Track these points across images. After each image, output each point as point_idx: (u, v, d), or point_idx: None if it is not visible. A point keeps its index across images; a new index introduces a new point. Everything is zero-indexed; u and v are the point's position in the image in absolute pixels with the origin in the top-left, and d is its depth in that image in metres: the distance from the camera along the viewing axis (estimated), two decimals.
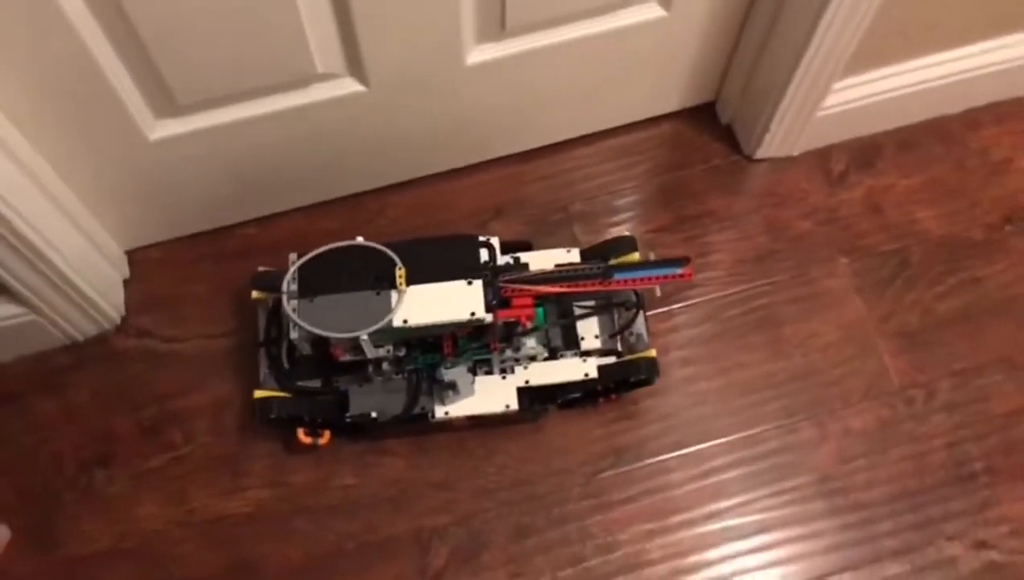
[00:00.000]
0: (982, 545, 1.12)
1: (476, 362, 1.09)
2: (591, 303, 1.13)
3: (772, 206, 1.28)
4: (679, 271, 1.06)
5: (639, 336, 1.13)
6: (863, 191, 1.29)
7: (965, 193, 1.28)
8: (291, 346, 1.07)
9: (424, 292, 0.98)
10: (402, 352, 1.04)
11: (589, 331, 1.12)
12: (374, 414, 1.07)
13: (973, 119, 1.32)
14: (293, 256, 1.02)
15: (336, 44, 0.99)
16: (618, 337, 1.13)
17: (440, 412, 1.08)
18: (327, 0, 0.93)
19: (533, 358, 1.10)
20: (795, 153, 1.30)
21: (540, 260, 1.11)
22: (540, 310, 1.06)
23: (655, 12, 1.10)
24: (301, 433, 1.09)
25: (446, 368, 1.07)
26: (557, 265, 1.10)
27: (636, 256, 1.13)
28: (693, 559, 1.11)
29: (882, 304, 1.22)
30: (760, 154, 1.29)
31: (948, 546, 1.11)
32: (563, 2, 1.04)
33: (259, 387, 1.09)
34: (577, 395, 1.13)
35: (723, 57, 1.23)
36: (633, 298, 1.13)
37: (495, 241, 1.06)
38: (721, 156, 1.31)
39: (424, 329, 0.99)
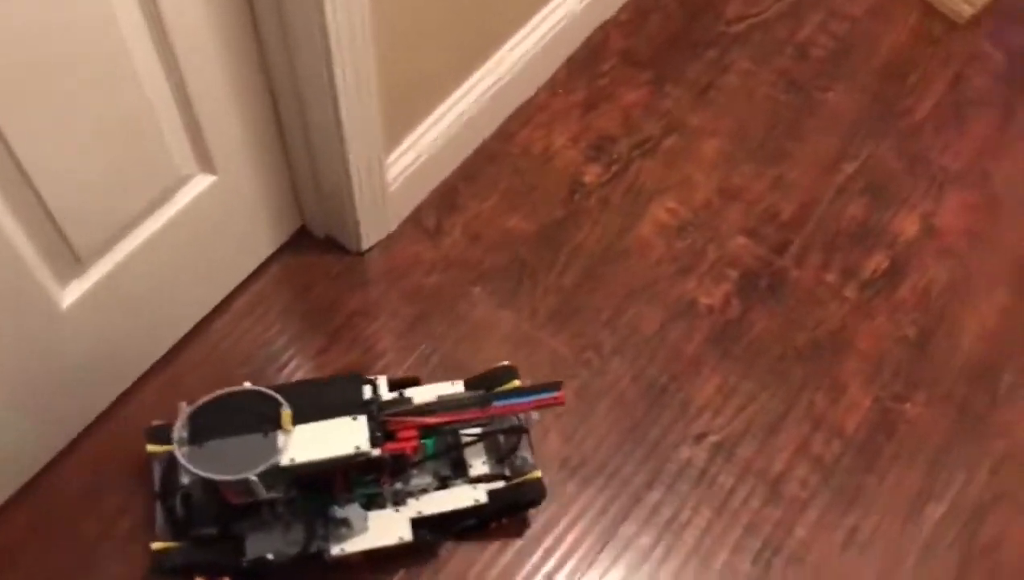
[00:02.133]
0: (701, 437, 1.30)
1: (369, 497, 1.12)
2: (477, 431, 1.17)
3: (399, 279, 1.41)
4: (553, 395, 1.14)
5: (524, 459, 1.19)
6: (459, 229, 1.45)
7: (532, 188, 1.49)
8: (187, 495, 1.08)
9: (310, 431, 1.02)
10: (293, 493, 1.04)
11: (477, 458, 1.18)
12: (270, 556, 1.07)
13: (505, 131, 1.54)
14: (183, 404, 1.02)
15: None
16: (505, 461, 1.19)
17: (336, 550, 1.10)
18: None
19: (424, 489, 1.14)
20: (393, 229, 1.44)
21: (425, 394, 1.17)
22: (430, 442, 1.11)
23: (206, 180, 1.18)
24: None
25: (339, 506, 1.09)
26: (439, 397, 1.15)
27: (517, 383, 1.19)
28: None
29: (524, 305, 1.39)
30: (365, 245, 1.42)
31: (678, 453, 1.29)
32: (119, 212, 1.09)
33: (155, 539, 1.10)
34: (471, 522, 1.18)
35: (288, 186, 1.34)
36: (517, 422, 1.17)
37: (382, 379, 1.12)
38: (336, 264, 1.42)
39: (311, 466, 1.01)
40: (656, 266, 1.44)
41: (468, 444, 1.18)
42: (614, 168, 1.53)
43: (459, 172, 1.50)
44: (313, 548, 1.10)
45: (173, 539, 1.10)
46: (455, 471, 1.18)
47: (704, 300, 1.41)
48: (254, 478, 0.99)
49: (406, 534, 1.13)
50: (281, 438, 1.01)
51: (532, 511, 1.22)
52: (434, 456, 1.15)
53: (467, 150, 1.50)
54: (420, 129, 1.39)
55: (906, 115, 1.59)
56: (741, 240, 1.46)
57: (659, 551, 1.22)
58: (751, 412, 1.32)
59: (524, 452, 1.20)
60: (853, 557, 1.24)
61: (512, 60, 1.48)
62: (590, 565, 1.20)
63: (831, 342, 1.38)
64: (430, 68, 1.33)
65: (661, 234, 1.47)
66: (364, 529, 1.11)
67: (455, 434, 1.17)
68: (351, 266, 1.42)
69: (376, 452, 1.03)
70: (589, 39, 1.64)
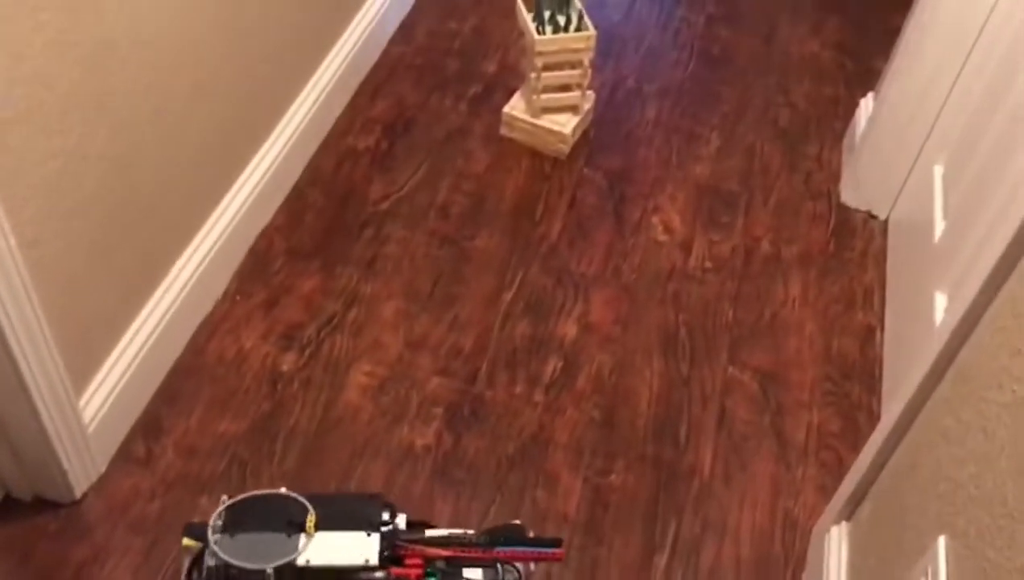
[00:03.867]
0: None
1: None
2: (479, 576, 1.22)
3: (121, 515, 1.41)
4: (551, 551, 1.21)
5: None
6: (171, 449, 1.49)
7: (233, 392, 1.57)
8: None
9: (328, 538, 1.13)
10: None
11: None
12: None
13: (195, 347, 1.62)
14: (224, 497, 1.13)
15: None
16: None
17: None
18: None
19: None
20: (103, 469, 1.45)
21: (437, 534, 1.22)
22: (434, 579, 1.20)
23: None
24: None
25: None
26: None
27: None
28: None
29: None
30: (78, 493, 1.41)
31: None
32: None
33: None
34: None
35: None
36: (517, 575, 1.23)
37: (402, 516, 1.20)
38: (52, 521, 1.40)
39: (321, 570, 1.10)
40: (369, 425, 1.55)
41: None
42: (308, 351, 1.64)
43: (158, 396, 1.55)
44: None
45: None
46: None
47: (419, 441, 1.54)
48: (270, 571, 1.09)
49: None
50: (302, 540, 1.12)
51: None
52: None
53: (160, 374, 1.56)
54: (106, 367, 1.44)
55: (543, 240, 1.87)
56: (436, 380, 1.62)
57: None
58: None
59: None
60: None
61: (182, 282, 1.57)
62: None
63: (535, 443, 1.55)
64: (100, 309, 1.40)
65: (366, 395, 1.59)
66: None
67: (459, 572, 1.24)
68: (68, 518, 1.40)
69: (380, 574, 1.13)
70: (253, 247, 1.77)
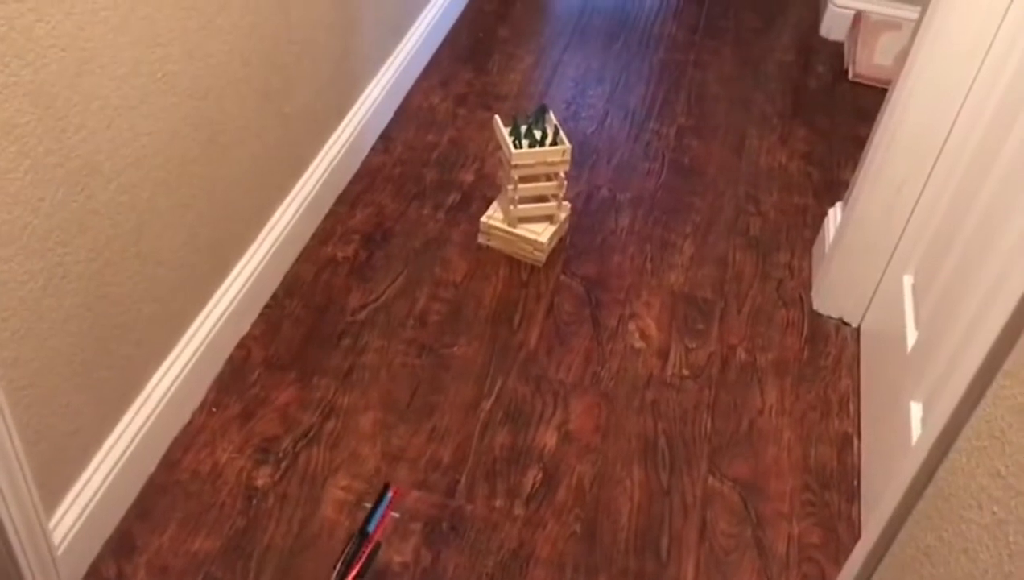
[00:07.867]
0: None
1: None
2: None
3: None
4: None
5: None
6: (143, 569, 1.45)
7: (208, 508, 1.54)
8: None
9: None
10: None
11: None
12: None
13: (169, 461, 1.59)
14: None
15: None
16: None
17: None
18: None
19: None
20: None
21: None
22: None
23: None
24: None
25: None
26: None
27: None
28: None
29: None
30: None
31: None
32: None
33: None
34: None
35: None
36: None
37: None
38: None
39: None
40: (345, 543, 1.52)
41: None
42: (284, 464, 1.62)
43: (131, 512, 1.51)
44: None
45: None
46: None
47: (397, 558, 1.51)
48: None
49: None
50: None
51: None
52: None
53: (134, 490, 1.53)
54: (79, 485, 1.41)
55: (521, 347, 1.87)
56: (415, 494, 1.60)
57: None
58: None
59: None
60: None
61: (158, 395, 1.55)
62: None
63: (515, 559, 1.52)
64: (76, 426, 1.38)
65: (343, 511, 1.56)
66: None
67: None
68: None
69: None
70: (231, 358, 1.77)
